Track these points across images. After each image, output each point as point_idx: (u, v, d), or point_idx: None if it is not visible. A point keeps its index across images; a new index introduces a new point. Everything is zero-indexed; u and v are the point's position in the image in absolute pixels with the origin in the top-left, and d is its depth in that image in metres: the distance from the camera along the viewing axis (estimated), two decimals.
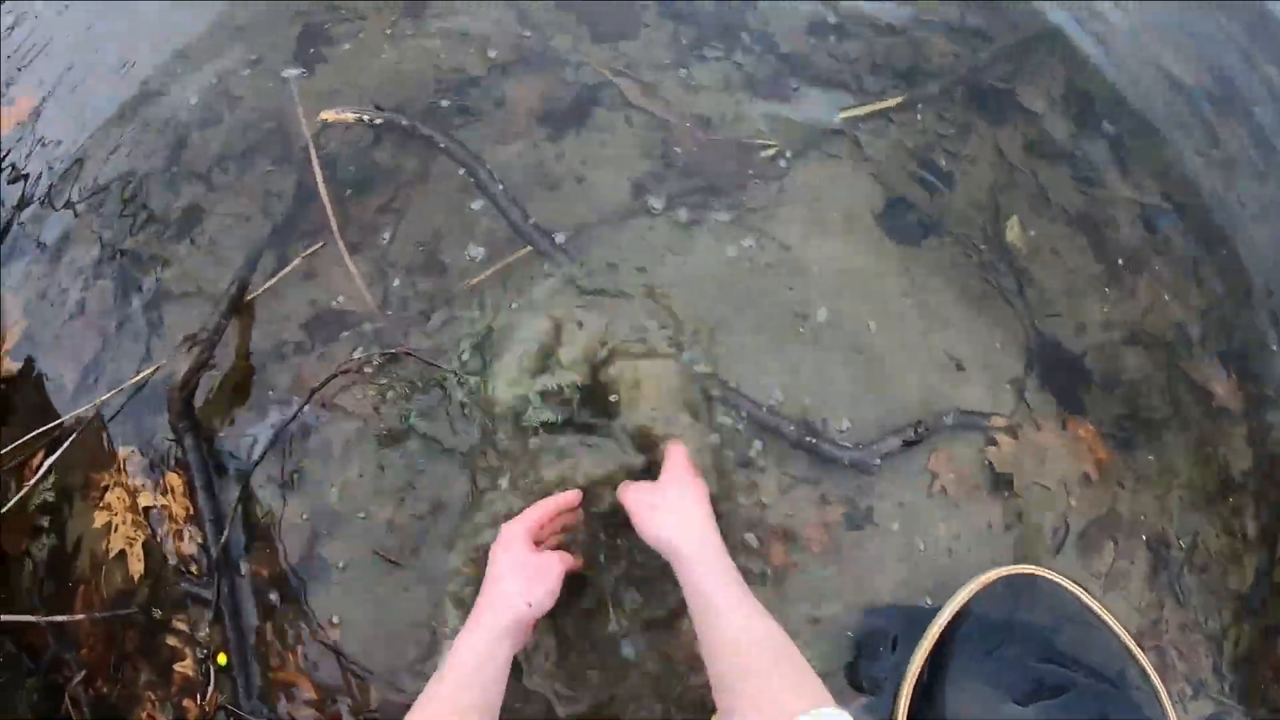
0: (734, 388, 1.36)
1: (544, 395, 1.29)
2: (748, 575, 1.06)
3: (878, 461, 1.35)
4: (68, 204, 1.70)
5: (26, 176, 1.78)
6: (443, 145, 1.54)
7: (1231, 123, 1.86)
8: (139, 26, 1.86)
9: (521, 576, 1.08)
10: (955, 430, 1.40)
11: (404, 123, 1.57)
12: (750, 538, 1.29)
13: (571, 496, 1.20)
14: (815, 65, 1.70)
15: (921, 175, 1.62)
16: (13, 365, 1.60)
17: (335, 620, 1.29)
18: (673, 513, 1.12)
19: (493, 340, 1.37)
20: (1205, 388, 1.56)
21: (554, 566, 1.12)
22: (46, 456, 1.53)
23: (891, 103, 1.68)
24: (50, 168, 1.75)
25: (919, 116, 1.67)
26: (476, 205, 1.51)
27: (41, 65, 1.87)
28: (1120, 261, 1.62)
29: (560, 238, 1.47)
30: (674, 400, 1.30)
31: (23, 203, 1.75)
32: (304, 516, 1.34)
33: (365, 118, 1.57)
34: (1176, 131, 1.83)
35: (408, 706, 0.94)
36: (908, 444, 1.37)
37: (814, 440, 1.34)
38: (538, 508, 1.17)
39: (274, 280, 1.41)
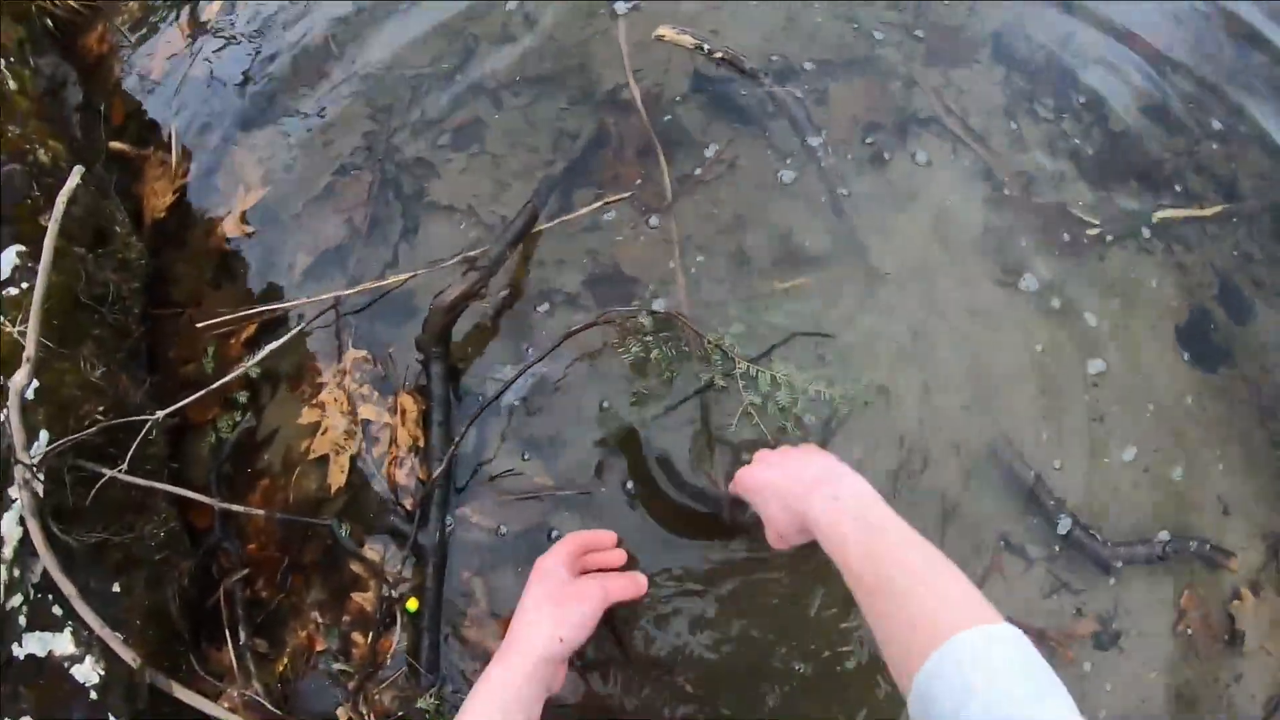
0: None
1: None
2: None
3: (1120, 564, 1.29)
4: (333, 84, 1.60)
5: (285, 43, 1.69)
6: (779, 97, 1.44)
7: None
8: None
9: (551, 605, 1.00)
10: (1198, 562, 1.32)
11: (747, 65, 1.46)
12: None
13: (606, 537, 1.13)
14: (1144, 150, 1.56)
15: (1226, 297, 1.49)
16: (242, 229, 1.50)
17: None
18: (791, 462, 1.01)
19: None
20: None
21: (592, 593, 1.03)
22: (261, 332, 1.44)
23: (1209, 212, 1.56)
24: (313, 44, 1.65)
25: (1233, 233, 1.54)
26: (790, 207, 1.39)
27: None
28: None
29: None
30: None
31: (277, 70, 1.66)
32: (540, 477, 1.22)
33: (705, 46, 1.46)
34: None
35: None
36: (1152, 560, 1.30)
37: (1071, 523, 1.29)
38: (570, 539, 1.09)
39: (570, 216, 1.29)
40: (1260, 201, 1.62)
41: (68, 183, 1.15)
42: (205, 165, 1.59)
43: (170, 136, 1.63)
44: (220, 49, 1.70)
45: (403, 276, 1.31)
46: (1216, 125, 1.67)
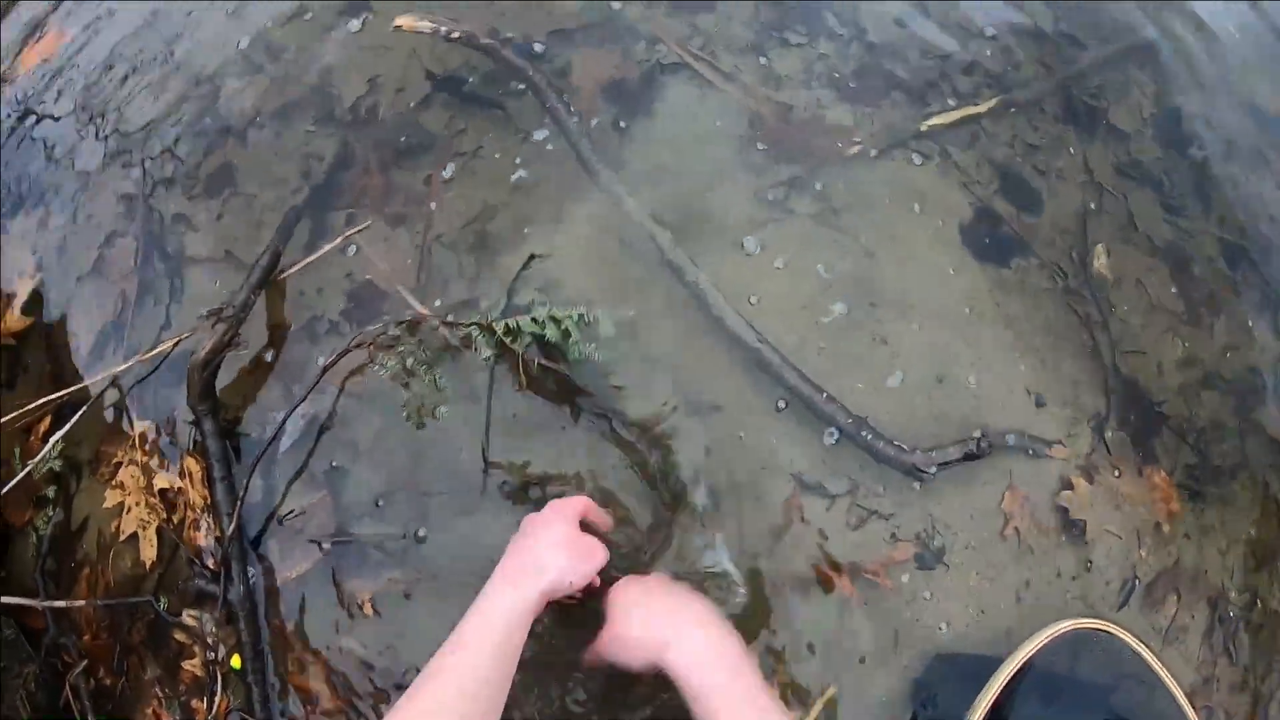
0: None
1: None
2: None
3: (933, 470, 1.25)
4: (88, 153, 1.57)
5: (44, 118, 1.65)
6: (530, 74, 1.41)
7: None
8: None
9: (568, 549, 1.00)
10: (1018, 454, 1.30)
11: (483, 40, 1.43)
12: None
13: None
14: (906, 60, 1.54)
15: (1010, 190, 1.48)
16: (22, 322, 1.48)
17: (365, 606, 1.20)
18: (668, 614, 1.00)
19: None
20: (1275, 439, 1.45)
21: (599, 553, 1.03)
22: (55, 423, 1.42)
23: (983, 108, 1.54)
24: (71, 113, 1.62)
25: (1011, 125, 1.53)
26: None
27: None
28: (1200, 298, 1.51)
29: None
30: None
31: (37, 145, 1.63)
32: (330, 509, 1.22)
33: (443, 29, 1.43)
34: (1261, 165, 1.70)
35: None
36: (969, 456, 1.27)
37: (869, 436, 1.23)
38: (583, 502, 1.08)
39: (312, 258, 1.27)
40: (1040, 87, 1.61)
41: None
42: None
43: None
44: None
45: (166, 345, 1.29)
46: (983, 24, 1.64)
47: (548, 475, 1.21)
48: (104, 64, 1.66)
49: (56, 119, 1.64)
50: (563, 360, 1.23)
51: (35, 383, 1.46)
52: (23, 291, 1.50)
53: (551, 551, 0.99)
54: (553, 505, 1.06)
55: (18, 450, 1.44)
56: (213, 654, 1.23)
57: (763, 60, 1.51)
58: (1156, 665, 1.18)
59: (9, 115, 1.69)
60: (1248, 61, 1.82)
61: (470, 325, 1.20)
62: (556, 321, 1.18)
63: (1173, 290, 1.50)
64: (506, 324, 1.20)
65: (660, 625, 0.98)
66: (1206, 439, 1.41)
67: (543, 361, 1.22)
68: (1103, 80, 1.67)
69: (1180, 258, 1.53)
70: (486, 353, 1.20)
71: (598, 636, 1.02)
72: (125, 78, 1.61)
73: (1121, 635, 1.19)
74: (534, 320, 1.19)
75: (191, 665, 1.26)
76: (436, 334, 1.24)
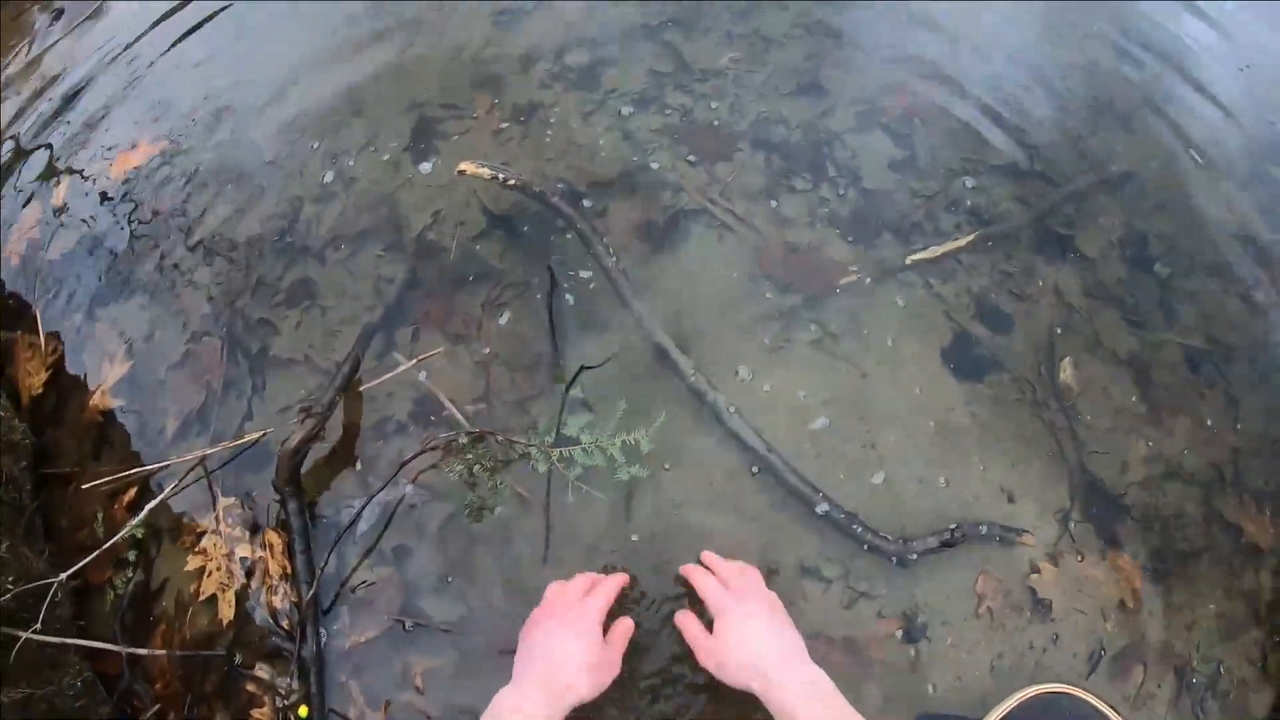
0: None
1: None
2: None
3: (915, 556, 1.47)
4: (177, 258, 1.82)
5: (132, 220, 1.90)
6: (576, 222, 1.71)
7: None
8: (251, 98, 2.02)
9: (594, 675, 1.15)
10: (991, 543, 1.51)
11: (536, 189, 1.71)
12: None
13: (623, 579, 1.33)
14: (894, 202, 1.86)
15: (985, 315, 1.74)
16: (112, 401, 1.71)
17: (419, 674, 1.41)
18: (752, 636, 1.19)
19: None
20: (1237, 525, 1.63)
21: (617, 664, 1.21)
22: (140, 495, 1.64)
23: (961, 243, 1.81)
24: (159, 220, 1.88)
25: (989, 257, 1.81)
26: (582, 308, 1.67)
27: (153, 117, 2.01)
28: (1162, 401, 1.71)
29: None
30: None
31: (128, 247, 1.87)
32: (397, 585, 1.46)
33: (500, 176, 1.70)
34: (1221, 277, 1.91)
35: None
36: (945, 545, 1.48)
37: (860, 529, 1.47)
38: (606, 595, 1.27)
39: (390, 375, 1.54)
40: (1016, 221, 1.88)
41: None
42: (72, 343, 1.78)
43: (36, 319, 1.82)
44: (73, 227, 1.91)
45: (254, 435, 1.54)
46: (963, 164, 1.95)
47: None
48: (190, 175, 1.92)
49: (145, 221, 1.88)
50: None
51: (120, 457, 1.67)
52: (114, 374, 1.72)
53: (581, 674, 1.13)
54: (582, 605, 1.22)
55: (100, 515, 1.65)
56: (283, 703, 1.44)
57: (772, 204, 1.82)
58: None
59: (104, 212, 1.93)
60: (1208, 180, 2.05)
61: (530, 446, 1.47)
62: (602, 449, 1.45)
63: (1135, 396, 1.70)
64: (560, 452, 1.47)
65: (759, 654, 1.14)
66: (1170, 526, 1.60)
67: (590, 490, 1.49)
68: (1073, 210, 1.93)
69: (1143, 366, 1.74)
70: (542, 468, 1.47)
71: (700, 647, 1.21)
72: (213, 192, 1.87)
73: (1087, 698, 1.34)
74: (583, 450, 1.46)
75: (260, 714, 1.47)
76: (499, 445, 1.50)
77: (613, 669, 1.20)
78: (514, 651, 1.25)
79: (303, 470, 1.51)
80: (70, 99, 2.18)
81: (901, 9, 2.17)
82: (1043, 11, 2.26)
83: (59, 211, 1.95)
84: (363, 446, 1.55)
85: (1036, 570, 1.51)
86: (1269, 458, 1.68)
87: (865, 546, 1.48)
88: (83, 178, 2.00)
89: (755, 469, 1.55)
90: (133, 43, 2.22)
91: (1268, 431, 1.70)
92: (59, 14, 2.44)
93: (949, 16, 2.17)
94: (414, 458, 1.46)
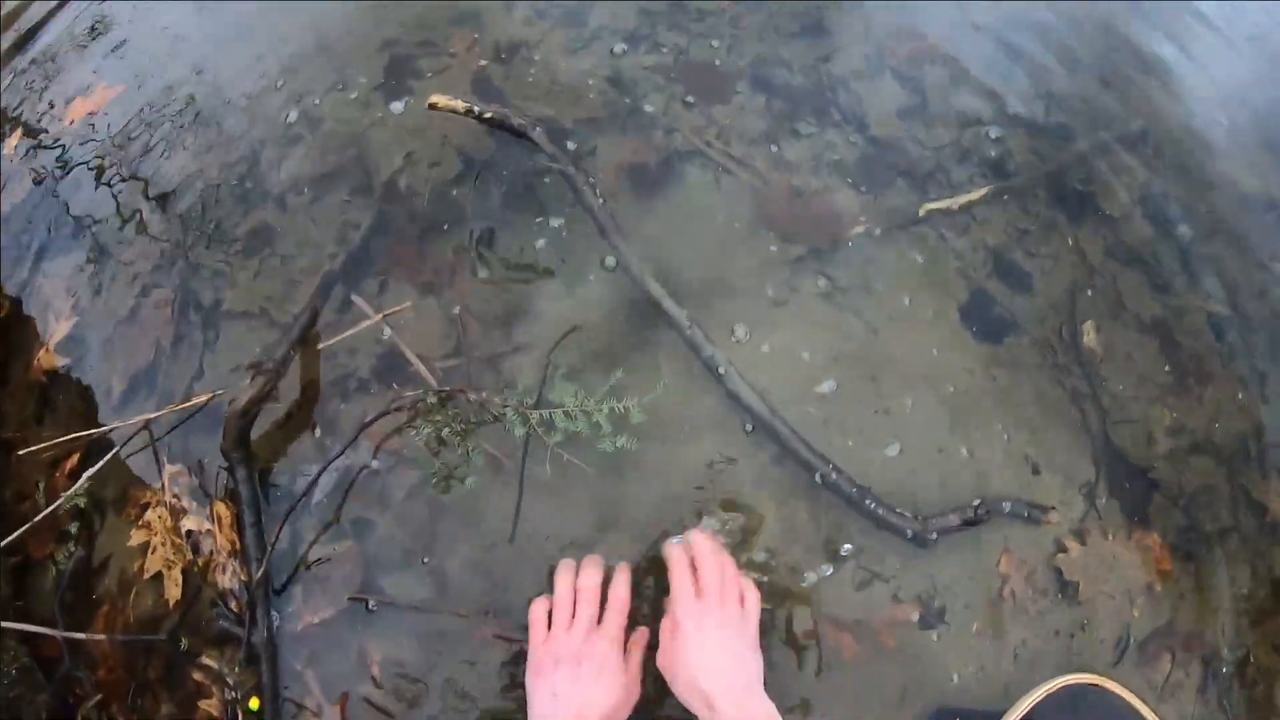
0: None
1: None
2: None
3: (934, 535, 1.35)
4: (128, 204, 1.67)
5: (85, 168, 1.75)
6: (558, 156, 1.55)
7: None
8: (214, 32, 1.86)
9: (621, 706, 1.08)
10: (1015, 521, 1.41)
11: (515, 121, 1.55)
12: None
13: (626, 579, 1.21)
14: (905, 151, 1.71)
15: (1003, 272, 1.62)
16: (57, 361, 1.56)
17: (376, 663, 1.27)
18: (708, 656, 1.08)
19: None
20: (1262, 503, 1.56)
21: (639, 686, 1.12)
22: (83, 462, 1.49)
23: (976, 195, 1.68)
24: (113, 166, 1.72)
25: (1005, 211, 1.69)
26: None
27: (113, 63, 1.84)
28: (1189, 369, 1.63)
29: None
30: None
31: (79, 195, 1.72)
32: (357, 559, 1.30)
33: (475, 109, 1.55)
34: (1243, 244, 1.85)
35: None
36: (967, 523, 1.37)
37: (873, 505, 1.34)
38: (620, 613, 1.15)
39: (351, 333, 1.38)
40: (1032, 175, 1.75)
41: None
42: (17, 301, 1.63)
43: None
44: (23, 177, 1.75)
45: (204, 397, 1.38)
46: (977, 113, 1.80)
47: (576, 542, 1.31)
48: (148, 119, 1.76)
49: (98, 168, 1.73)
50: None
51: (64, 421, 1.53)
52: (59, 332, 1.57)
53: (612, 715, 1.06)
54: (597, 636, 1.12)
55: (42, 485, 1.51)
56: (232, 694, 1.29)
57: (774, 149, 1.66)
58: (1152, 718, 1.23)
59: (54, 161, 1.77)
60: (1231, 145, 1.98)
61: (505, 408, 1.30)
62: (588, 414, 1.28)
63: (1161, 363, 1.61)
64: (540, 414, 1.30)
65: (710, 679, 1.06)
66: (1197, 503, 1.51)
67: (571, 459, 1.33)
68: (1093, 166, 1.81)
69: (1168, 332, 1.64)
70: (519, 431, 1.30)
71: (662, 646, 1.13)
72: (169, 135, 1.71)
73: (1116, 689, 1.25)
74: (565, 414, 1.29)
75: (208, 705, 1.32)
76: (471, 405, 1.34)
77: (636, 692, 1.11)
78: (489, 639, 1.16)
79: (253, 434, 1.36)
80: (22, 43, 2.01)
81: None
82: None
83: (9, 161, 1.79)
84: (321, 408, 1.40)
85: (1063, 549, 1.41)
86: None
87: (878, 525, 1.35)
88: (35, 125, 1.84)
89: (749, 427, 1.37)
90: None
91: None
92: None
93: None
94: (376, 419, 1.30)
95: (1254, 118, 2.05)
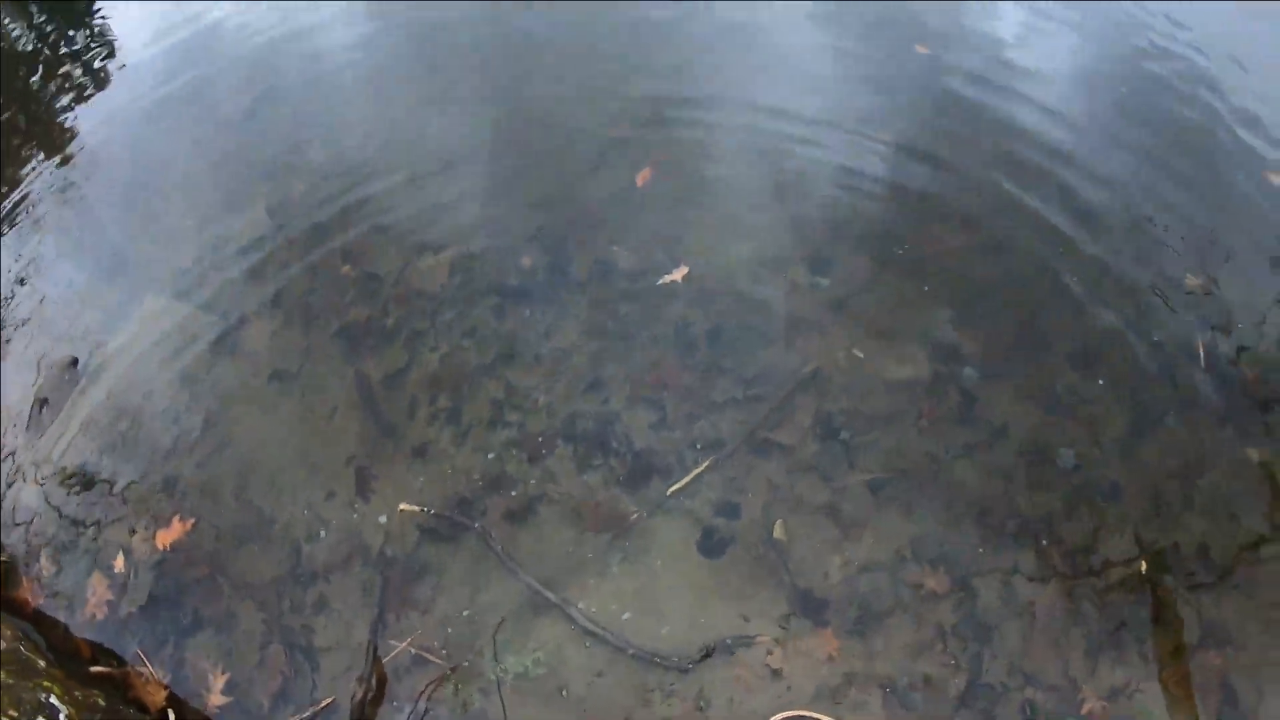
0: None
1: None
2: None
3: (690, 667, 2.70)
4: (226, 598, 3.01)
5: (191, 580, 3.07)
6: (478, 527, 2.98)
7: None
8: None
9: None
10: (738, 647, 2.76)
11: (446, 514, 2.96)
12: None
13: None
14: (658, 452, 3.16)
15: (721, 510, 2.79)
16: (223, 699, 2.90)
17: None
18: None
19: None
20: (918, 584, 2.61)
21: None
22: None
23: (702, 468, 2.87)
24: (202, 575, 3.06)
25: (719, 474, 2.85)
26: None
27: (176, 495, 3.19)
28: (852, 523, 2.68)
29: None
30: None
31: (190, 592, 3.04)
32: None
33: (428, 509, 2.94)
34: (893, 421, 2.93)
35: None
36: (706, 655, 2.68)
37: (653, 656, 2.72)
38: None
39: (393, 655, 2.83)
40: (734, 444, 3.41)
41: None
42: (173, 668, 2.94)
43: (140, 655, 2.96)
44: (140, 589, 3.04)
45: (325, 701, 2.80)
46: (703, 410, 3.44)
47: None
48: (219, 540, 3.10)
49: (197, 576, 3.05)
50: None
51: None
52: (220, 682, 2.90)
53: None
54: None
55: None
56: None
57: (584, 479, 3.22)
58: None
59: (157, 569, 3.07)
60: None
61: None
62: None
63: (832, 528, 3.13)
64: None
65: None
66: (868, 599, 2.66)
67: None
68: (778, 417, 3.04)
69: (834, 506, 2.97)
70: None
71: None
72: (236, 548, 3.07)
73: (816, 716, 2.38)
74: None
75: None
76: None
77: None
78: None
79: None
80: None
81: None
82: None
83: (123, 576, 3.03)
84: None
85: (771, 652, 2.62)
86: (937, 539, 2.66)
87: (658, 663, 2.70)
88: (131, 553, 3.10)
89: (587, 644, 2.85)
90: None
91: (939, 515, 2.70)
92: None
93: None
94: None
95: None
